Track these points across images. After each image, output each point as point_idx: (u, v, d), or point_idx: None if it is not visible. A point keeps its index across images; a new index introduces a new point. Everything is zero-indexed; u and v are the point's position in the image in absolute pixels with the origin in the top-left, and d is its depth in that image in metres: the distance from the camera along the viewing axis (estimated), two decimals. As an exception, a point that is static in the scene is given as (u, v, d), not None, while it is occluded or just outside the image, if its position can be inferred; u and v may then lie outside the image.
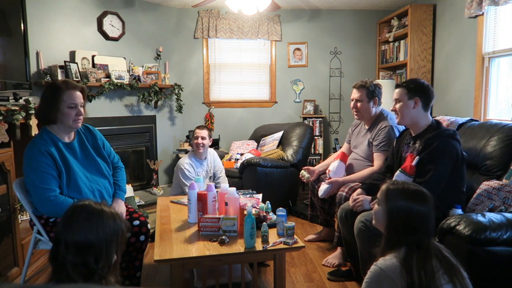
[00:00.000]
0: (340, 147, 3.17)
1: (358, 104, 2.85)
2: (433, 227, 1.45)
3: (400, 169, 2.23)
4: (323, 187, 2.83)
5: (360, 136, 2.99)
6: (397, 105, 2.30)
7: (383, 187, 1.52)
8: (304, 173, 3.07)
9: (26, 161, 1.98)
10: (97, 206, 1.26)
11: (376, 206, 1.54)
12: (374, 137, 2.80)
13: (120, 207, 2.20)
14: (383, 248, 1.43)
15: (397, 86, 2.35)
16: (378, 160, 2.74)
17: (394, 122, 2.78)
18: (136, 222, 2.19)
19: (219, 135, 5.05)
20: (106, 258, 1.22)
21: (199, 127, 3.27)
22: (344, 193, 2.67)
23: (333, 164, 2.92)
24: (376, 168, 2.70)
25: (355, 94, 2.88)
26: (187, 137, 4.89)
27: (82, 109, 2.07)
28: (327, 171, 2.92)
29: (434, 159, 2.09)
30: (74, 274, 1.15)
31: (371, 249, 2.17)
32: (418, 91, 2.25)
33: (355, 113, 2.91)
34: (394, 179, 2.24)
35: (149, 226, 2.25)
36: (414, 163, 2.16)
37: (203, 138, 3.20)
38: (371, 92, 2.83)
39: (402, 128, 2.62)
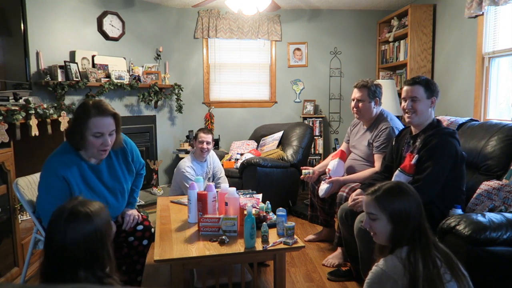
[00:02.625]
0: (340, 147, 3.17)
1: (360, 104, 2.84)
2: (424, 212, 1.46)
3: (399, 168, 2.23)
4: (323, 187, 2.82)
5: (358, 135, 2.98)
6: (415, 103, 2.19)
7: (369, 201, 1.46)
8: (308, 171, 3.04)
9: (42, 181, 1.88)
10: (72, 216, 1.19)
11: (373, 223, 1.47)
12: (375, 139, 2.79)
13: (132, 215, 2.14)
14: (389, 251, 1.42)
15: (412, 83, 2.23)
16: (379, 161, 2.73)
17: (394, 123, 2.78)
18: (140, 227, 2.16)
19: (219, 135, 5.05)
20: (104, 260, 1.21)
21: (204, 131, 3.19)
22: (344, 194, 2.67)
23: (332, 162, 2.91)
24: (377, 169, 2.70)
25: (356, 94, 2.86)
26: (187, 137, 4.89)
27: (111, 138, 1.88)
28: (326, 169, 2.92)
29: (433, 156, 2.09)
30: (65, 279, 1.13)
31: (371, 249, 2.17)
32: (434, 90, 2.23)
33: (355, 113, 2.91)
34: (393, 178, 2.24)
35: (152, 230, 2.22)
36: (413, 161, 2.16)
37: (208, 143, 3.18)
38: (373, 92, 2.82)
39: (402, 128, 2.63)
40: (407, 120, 2.27)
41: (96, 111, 1.82)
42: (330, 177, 2.83)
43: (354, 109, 2.89)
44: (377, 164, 2.74)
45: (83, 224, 1.18)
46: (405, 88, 2.28)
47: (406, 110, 2.25)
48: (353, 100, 2.89)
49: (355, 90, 2.88)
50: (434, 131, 2.17)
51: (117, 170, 2.05)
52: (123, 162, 2.10)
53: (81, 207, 1.21)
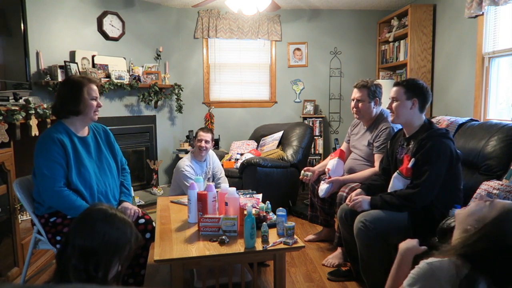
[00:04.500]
0: (340, 147, 3.17)
1: (360, 104, 2.84)
2: None
3: (397, 171, 2.24)
4: (323, 187, 2.82)
5: (359, 136, 2.98)
6: (394, 104, 2.30)
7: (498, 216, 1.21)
8: (306, 173, 3.05)
9: (38, 147, 2.01)
10: (112, 211, 1.27)
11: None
12: (375, 139, 2.79)
13: (132, 209, 2.21)
14: (449, 251, 1.21)
15: (396, 84, 2.33)
16: (378, 161, 2.73)
17: (394, 125, 2.78)
18: (142, 221, 2.21)
19: (219, 135, 5.05)
20: (107, 267, 1.21)
21: (203, 130, 3.22)
22: (344, 194, 2.66)
23: (331, 162, 2.90)
24: (377, 169, 2.70)
25: (356, 94, 2.86)
26: (187, 137, 4.89)
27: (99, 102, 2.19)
28: (326, 169, 2.92)
29: (429, 160, 2.10)
30: (74, 278, 1.14)
31: (371, 249, 2.17)
32: (417, 92, 2.24)
33: (355, 113, 2.91)
34: (392, 180, 2.24)
35: (154, 224, 2.27)
36: (410, 165, 2.16)
37: (206, 141, 3.19)
38: (373, 92, 2.82)
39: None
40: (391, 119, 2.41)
41: (88, 80, 2.15)
42: (329, 177, 2.83)
43: (354, 109, 2.89)
44: (377, 164, 2.74)
45: (128, 226, 1.27)
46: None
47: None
48: (353, 100, 2.89)
49: (355, 90, 2.88)
50: (428, 133, 2.16)
51: (101, 144, 2.25)
52: (106, 140, 2.30)
53: (119, 213, 1.29)
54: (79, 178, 2.05)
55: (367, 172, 2.77)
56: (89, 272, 1.17)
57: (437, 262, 1.18)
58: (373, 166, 2.80)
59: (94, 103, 2.13)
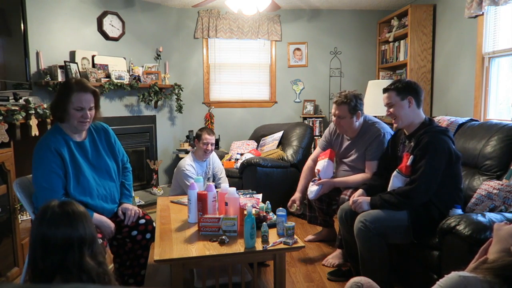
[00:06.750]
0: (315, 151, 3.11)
1: (341, 121, 2.75)
2: None
3: (397, 169, 2.24)
4: (313, 189, 2.79)
5: (343, 147, 2.91)
6: (392, 109, 2.29)
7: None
8: (294, 206, 2.94)
9: (35, 158, 1.96)
10: (57, 222, 1.19)
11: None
12: (368, 147, 2.73)
13: (133, 210, 2.20)
14: (487, 269, 1.14)
15: (384, 90, 2.34)
16: (369, 168, 2.70)
17: (385, 129, 2.74)
18: (142, 221, 2.22)
19: (219, 135, 5.05)
20: (94, 254, 1.22)
21: (208, 133, 3.19)
22: (346, 197, 2.64)
23: (321, 163, 2.85)
24: (369, 175, 2.67)
25: (336, 110, 2.76)
26: (187, 137, 4.89)
27: (90, 112, 2.01)
28: (316, 170, 2.88)
29: (425, 154, 2.11)
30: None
31: (371, 249, 2.18)
32: (409, 90, 2.26)
33: (338, 129, 2.85)
34: (391, 179, 2.25)
35: (154, 224, 2.27)
36: (409, 162, 2.17)
37: (212, 144, 3.20)
38: (353, 108, 2.71)
39: (390, 131, 2.63)
40: (394, 126, 2.37)
41: (78, 87, 1.98)
42: (319, 179, 2.81)
43: (336, 125, 2.83)
44: (368, 171, 2.72)
45: (81, 213, 1.24)
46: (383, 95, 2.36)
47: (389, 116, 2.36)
48: (334, 116, 2.80)
49: (335, 106, 2.77)
50: (426, 129, 2.19)
51: (99, 147, 2.16)
52: (105, 141, 2.21)
53: (67, 206, 1.24)
54: (78, 188, 2.00)
55: (358, 176, 2.74)
56: (103, 265, 1.19)
57: (472, 277, 1.09)
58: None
59: (78, 114, 1.97)
